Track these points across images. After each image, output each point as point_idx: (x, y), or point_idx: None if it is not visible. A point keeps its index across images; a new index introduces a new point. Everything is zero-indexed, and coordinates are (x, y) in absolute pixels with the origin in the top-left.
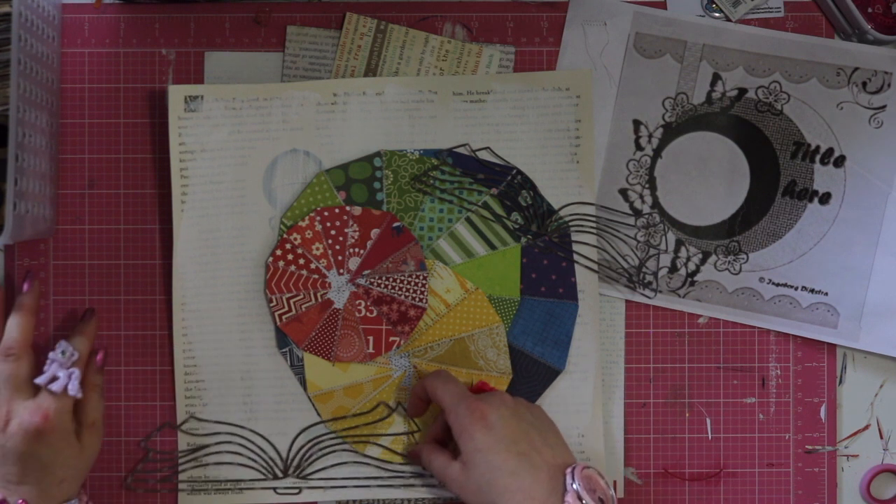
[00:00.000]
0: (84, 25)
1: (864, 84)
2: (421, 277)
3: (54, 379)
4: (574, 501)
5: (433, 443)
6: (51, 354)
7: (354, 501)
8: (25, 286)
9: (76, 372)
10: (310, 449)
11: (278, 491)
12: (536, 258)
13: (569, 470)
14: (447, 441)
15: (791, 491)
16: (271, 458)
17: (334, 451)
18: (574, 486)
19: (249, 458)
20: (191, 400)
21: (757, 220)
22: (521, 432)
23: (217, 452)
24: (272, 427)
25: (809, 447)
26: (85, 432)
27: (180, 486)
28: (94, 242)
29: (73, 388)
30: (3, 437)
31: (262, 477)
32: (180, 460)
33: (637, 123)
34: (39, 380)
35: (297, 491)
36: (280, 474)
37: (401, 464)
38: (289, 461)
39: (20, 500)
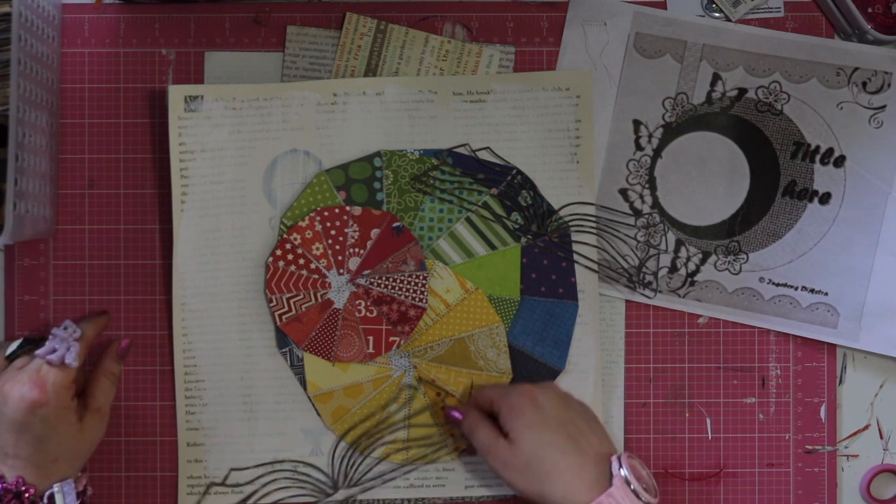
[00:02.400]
0: (84, 25)
1: (864, 84)
2: (421, 277)
3: (53, 351)
4: (622, 486)
5: (480, 412)
6: (54, 330)
7: (355, 501)
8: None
9: (75, 345)
10: (350, 456)
11: None
12: (536, 258)
13: (615, 457)
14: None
15: (791, 491)
16: (318, 480)
17: (376, 441)
18: (622, 471)
19: (299, 487)
20: (191, 400)
21: (757, 220)
22: (569, 417)
23: (266, 494)
24: (272, 427)
25: (809, 447)
26: (88, 416)
27: None
28: (94, 242)
29: (70, 358)
30: (2, 403)
31: (315, 500)
32: None
33: (637, 123)
34: (39, 352)
35: (354, 501)
36: (331, 491)
37: (418, 457)
38: (335, 476)
39: (17, 477)
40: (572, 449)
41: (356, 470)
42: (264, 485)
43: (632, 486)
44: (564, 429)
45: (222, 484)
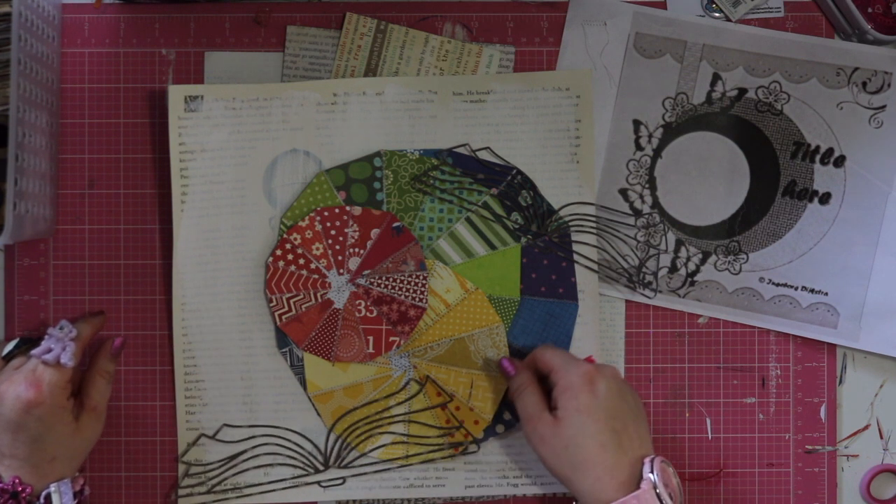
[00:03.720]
0: (84, 25)
1: (864, 84)
2: (421, 277)
3: (49, 351)
4: (650, 489)
5: (532, 374)
6: (50, 330)
7: (353, 502)
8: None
9: (71, 345)
10: (346, 437)
11: (322, 484)
12: (536, 258)
13: (647, 459)
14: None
15: (791, 491)
16: (309, 453)
17: (371, 436)
18: (652, 476)
19: (288, 456)
20: (191, 400)
21: (757, 220)
22: (620, 411)
23: (255, 456)
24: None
25: (809, 447)
26: (84, 415)
27: (228, 495)
28: (94, 242)
29: (65, 358)
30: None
31: (304, 473)
32: (219, 469)
33: (637, 123)
34: (35, 351)
35: (341, 481)
36: (321, 467)
37: (406, 460)
38: (328, 453)
39: (14, 477)
40: (613, 444)
41: (350, 451)
42: (253, 447)
43: (657, 490)
44: (611, 422)
45: (213, 438)
